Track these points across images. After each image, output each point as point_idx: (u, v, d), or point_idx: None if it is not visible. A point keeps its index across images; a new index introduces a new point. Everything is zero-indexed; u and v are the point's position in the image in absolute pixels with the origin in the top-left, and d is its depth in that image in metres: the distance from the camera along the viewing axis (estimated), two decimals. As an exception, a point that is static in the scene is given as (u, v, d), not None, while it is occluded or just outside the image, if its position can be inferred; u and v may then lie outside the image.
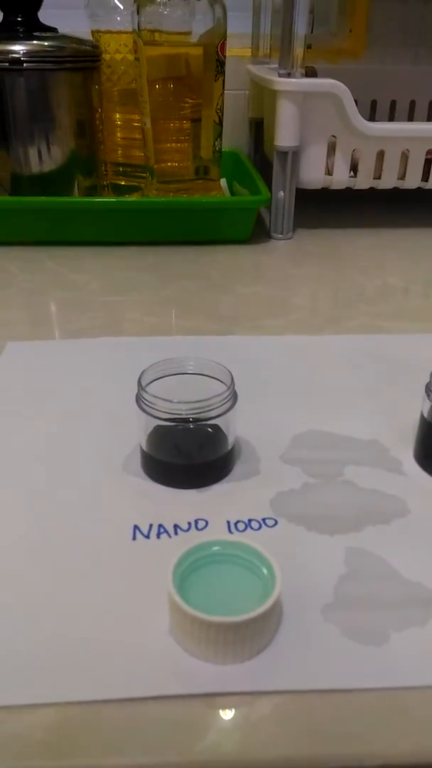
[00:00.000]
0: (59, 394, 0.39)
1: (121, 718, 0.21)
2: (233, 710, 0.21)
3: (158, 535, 0.28)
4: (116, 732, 0.20)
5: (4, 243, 0.63)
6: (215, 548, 0.25)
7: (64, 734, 0.20)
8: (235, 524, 0.28)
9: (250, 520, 0.29)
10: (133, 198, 0.71)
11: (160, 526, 0.28)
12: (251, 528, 0.28)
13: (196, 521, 0.28)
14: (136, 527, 0.28)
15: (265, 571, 0.24)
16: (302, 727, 0.21)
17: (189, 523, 0.28)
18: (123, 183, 0.73)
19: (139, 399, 0.30)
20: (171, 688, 0.21)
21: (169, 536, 0.28)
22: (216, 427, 0.31)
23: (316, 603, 0.25)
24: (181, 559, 0.24)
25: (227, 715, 0.21)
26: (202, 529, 0.28)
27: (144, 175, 0.69)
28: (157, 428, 0.30)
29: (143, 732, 0.20)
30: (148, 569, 0.26)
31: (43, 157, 0.64)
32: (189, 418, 0.29)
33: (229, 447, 0.32)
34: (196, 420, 0.29)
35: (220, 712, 0.21)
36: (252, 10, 0.79)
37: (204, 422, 0.29)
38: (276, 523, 0.28)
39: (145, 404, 0.30)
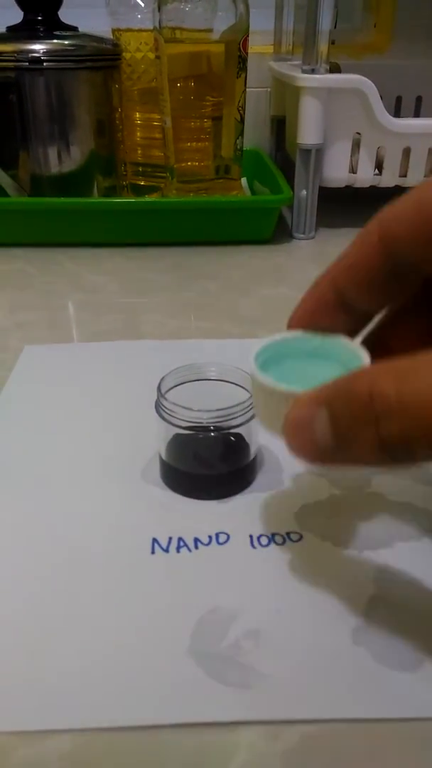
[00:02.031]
0: (76, 399, 0.38)
1: (139, 746, 0.20)
2: (258, 739, 0.20)
3: (178, 549, 0.27)
4: (134, 760, 0.19)
5: (23, 244, 0.63)
6: (302, 340, 0.21)
7: (79, 762, 0.19)
8: (258, 538, 0.27)
9: (273, 535, 0.27)
10: (152, 198, 0.70)
11: (179, 539, 0.27)
12: (275, 542, 0.27)
13: (217, 535, 0.27)
14: (154, 540, 0.27)
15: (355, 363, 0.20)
16: (330, 758, 0.20)
17: (209, 537, 0.27)
18: (142, 183, 0.73)
19: (158, 406, 0.29)
20: (192, 715, 0.20)
21: (189, 550, 0.27)
22: (238, 436, 0.29)
23: (345, 625, 0.23)
24: (262, 350, 0.21)
25: (251, 744, 0.20)
26: (223, 543, 0.27)
27: (164, 174, 0.68)
28: (177, 436, 0.29)
29: (162, 761, 0.19)
30: (167, 586, 0.25)
31: (63, 158, 0.64)
32: (210, 426, 0.28)
33: (252, 456, 0.30)
34: (217, 428, 0.28)
35: (244, 740, 0.20)
36: (275, 5, 0.78)
37: (226, 431, 0.28)
38: (301, 537, 0.27)
39: (165, 412, 0.28)
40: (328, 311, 0.21)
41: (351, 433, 0.16)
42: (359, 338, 0.22)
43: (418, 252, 0.18)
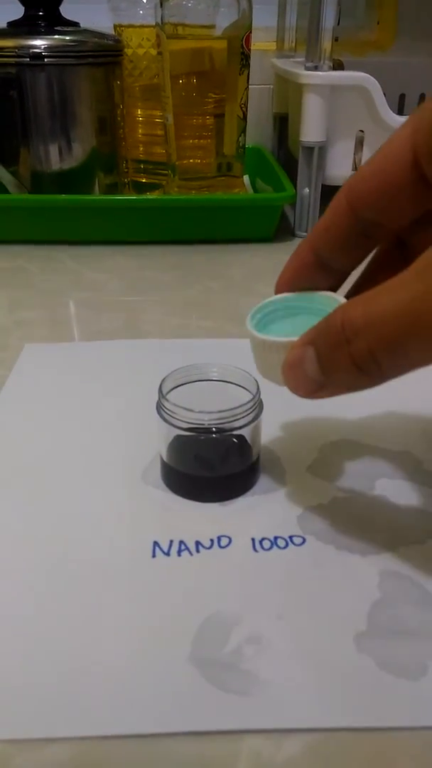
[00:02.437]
0: (76, 398, 0.37)
1: (140, 755, 0.19)
2: (260, 748, 0.20)
3: (179, 553, 0.26)
4: (134, 771, 0.19)
5: (23, 241, 0.62)
6: (290, 299, 0.24)
7: (78, 771, 0.19)
8: (261, 542, 0.27)
9: (276, 538, 0.27)
10: (154, 196, 0.69)
11: (181, 542, 0.27)
12: (277, 546, 0.27)
13: (219, 538, 0.27)
14: (155, 543, 0.27)
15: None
16: (334, 767, 0.19)
17: (211, 540, 0.27)
18: (144, 180, 0.72)
19: (159, 407, 0.28)
20: (193, 724, 0.20)
21: (191, 554, 0.26)
22: (240, 438, 0.29)
23: (348, 631, 0.23)
24: (256, 311, 0.24)
25: (254, 753, 0.19)
26: (225, 546, 0.27)
27: (165, 172, 0.67)
28: (179, 438, 0.29)
29: (162, 771, 0.19)
30: (168, 590, 0.25)
31: (64, 154, 0.63)
32: (212, 428, 0.28)
33: (254, 458, 0.30)
34: (219, 430, 0.28)
35: (246, 749, 0.20)
36: (277, 2, 0.78)
37: (227, 432, 0.28)
38: (304, 541, 0.27)
39: (166, 413, 0.28)
40: (309, 272, 0.23)
41: (332, 361, 0.19)
42: (341, 293, 0.24)
43: (380, 210, 0.20)
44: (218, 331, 0.46)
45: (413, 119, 0.19)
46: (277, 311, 0.24)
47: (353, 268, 0.23)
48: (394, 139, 0.19)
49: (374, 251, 0.23)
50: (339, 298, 0.23)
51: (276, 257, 0.61)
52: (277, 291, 0.24)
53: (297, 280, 0.24)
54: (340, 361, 0.19)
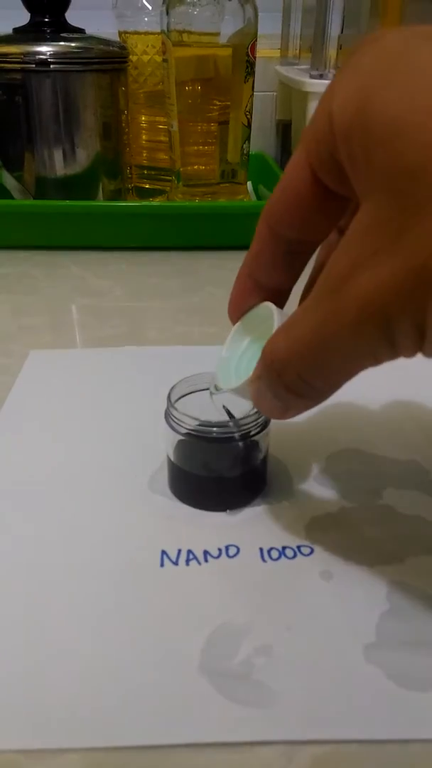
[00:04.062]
0: (82, 406, 0.37)
1: (150, 766, 0.19)
2: (271, 760, 0.20)
3: (187, 562, 0.26)
4: (144, 783, 0.19)
5: (27, 247, 0.62)
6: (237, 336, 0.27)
7: (88, 783, 0.19)
8: (269, 551, 0.27)
9: (284, 548, 0.27)
10: (158, 202, 0.69)
11: (189, 551, 0.27)
12: (285, 556, 0.27)
13: (227, 547, 0.27)
14: (164, 552, 0.27)
15: None
16: (344, 782, 0.19)
17: (219, 549, 0.27)
18: (147, 186, 0.72)
19: (168, 416, 0.28)
20: (203, 735, 0.20)
21: (199, 563, 0.26)
22: (248, 447, 0.29)
23: (357, 643, 0.23)
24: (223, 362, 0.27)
25: (265, 765, 0.19)
26: (233, 556, 0.27)
27: (169, 178, 0.67)
28: (186, 446, 0.29)
29: (173, 784, 0.19)
30: (177, 600, 0.25)
31: (68, 160, 0.63)
32: (220, 437, 0.28)
33: (262, 467, 0.30)
34: (227, 439, 0.28)
35: (257, 761, 0.20)
36: (282, 9, 0.78)
37: (236, 441, 0.28)
38: (312, 551, 0.27)
39: (174, 421, 0.28)
40: (253, 297, 0.24)
41: (276, 391, 0.21)
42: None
43: (297, 228, 0.21)
44: (223, 338, 0.46)
45: (305, 133, 0.19)
46: (244, 354, 0.26)
47: (294, 282, 0.24)
48: (294, 156, 0.20)
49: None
50: (273, 313, 0.23)
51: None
52: (230, 316, 0.26)
53: (242, 305, 0.25)
54: (282, 390, 0.21)
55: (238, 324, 0.26)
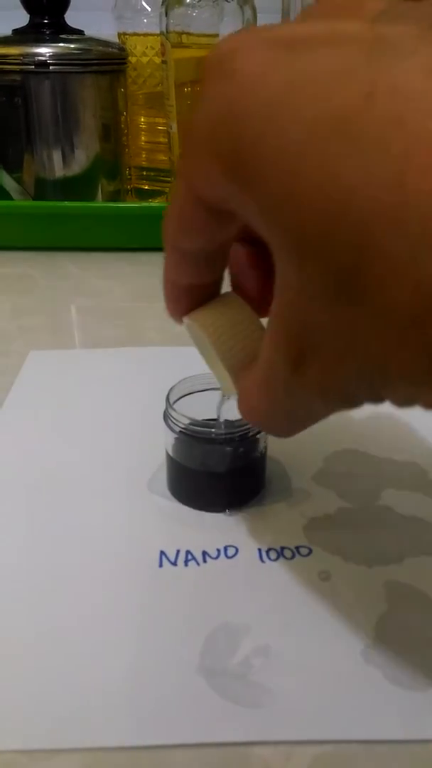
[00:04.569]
0: (80, 406, 0.37)
1: (148, 766, 0.19)
2: (269, 760, 0.20)
3: (186, 563, 0.26)
4: (143, 783, 0.19)
5: (27, 248, 0.62)
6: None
7: (87, 783, 0.19)
8: (267, 552, 0.27)
9: (282, 549, 0.27)
10: (157, 203, 0.69)
11: (188, 552, 0.27)
12: (284, 557, 0.27)
13: (225, 548, 0.27)
14: (162, 553, 0.27)
15: None
16: (343, 782, 0.19)
17: (218, 550, 0.27)
18: (147, 187, 0.72)
19: (166, 417, 0.29)
20: (202, 735, 0.20)
21: (197, 564, 0.26)
22: (247, 447, 0.29)
23: (356, 643, 0.23)
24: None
25: (263, 765, 0.20)
26: (231, 556, 0.27)
27: (168, 179, 0.67)
28: (185, 447, 0.29)
29: (172, 784, 0.19)
30: (175, 600, 0.25)
31: (67, 161, 0.63)
32: (219, 437, 0.28)
33: (260, 468, 0.30)
34: (226, 440, 0.28)
35: (256, 761, 0.20)
36: (281, 11, 0.78)
37: (234, 442, 0.28)
38: (310, 552, 0.27)
39: (173, 422, 0.28)
40: (185, 298, 0.23)
41: None
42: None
43: (203, 249, 0.20)
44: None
45: (187, 171, 0.17)
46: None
47: (221, 274, 0.22)
48: (180, 193, 0.18)
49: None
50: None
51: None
52: (176, 320, 0.24)
53: (183, 312, 0.23)
54: None
55: (208, 326, 0.23)
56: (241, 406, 0.21)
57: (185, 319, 0.23)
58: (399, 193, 0.12)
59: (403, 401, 0.15)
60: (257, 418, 0.20)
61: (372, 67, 0.12)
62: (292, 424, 0.20)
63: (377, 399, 0.16)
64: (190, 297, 0.22)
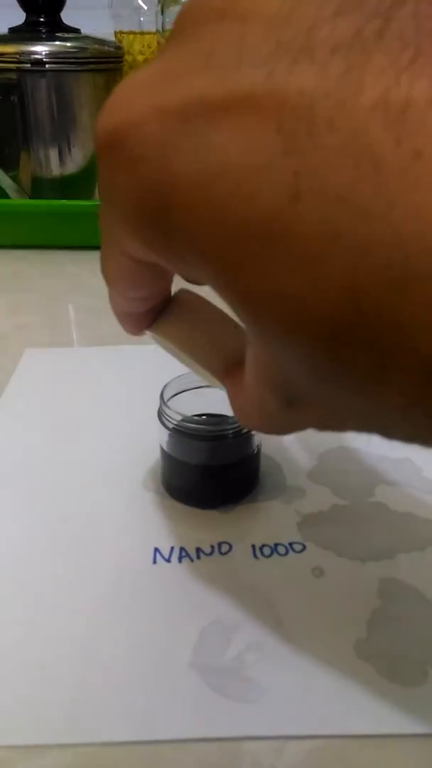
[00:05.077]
0: (76, 404, 0.37)
1: (141, 762, 0.20)
2: (261, 755, 0.20)
3: (180, 559, 0.26)
4: (135, 778, 0.19)
5: (23, 246, 0.62)
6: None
7: (79, 778, 0.19)
8: (261, 549, 0.27)
9: (276, 545, 0.27)
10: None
11: (181, 549, 0.27)
12: (277, 553, 0.27)
13: (219, 545, 0.27)
14: (156, 550, 0.27)
15: None
16: (335, 776, 0.19)
17: (212, 547, 0.27)
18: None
19: (161, 414, 0.29)
20: (194, 731, 0.20)
21: (191, 560, 0.26)
22: (241, 444, 0.29)
23: (348, 638, 0.23)
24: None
25: (255, 760, 0.20)
26: (225, 553, 0.27)
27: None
28: (179, 444, 0.29)
29: (164, 778, 0.19)
30: (169, 597, 0.25)
31: (64, 159, 0.63)
32: (213, 434, 0.28)
33: (254, 465, 0.30)
34: (220, 437, 0.28)
35: (248, 756, 0.20)
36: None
37: (228, 439, 0.28)
38: (304, 548, 0.27)
39: (167, 420, 0.28)
40: (142, 322, 0.21)
41: None
42: None
43: (143, 295, 0.19)
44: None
45: (110, 236, 0.16)
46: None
47: (167, 294, 0.21)
48: (109, 251, 0.17)
49: None
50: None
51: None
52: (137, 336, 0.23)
53: (141, 327, 0.22)
54: None
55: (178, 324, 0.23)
56: (238, 415, 0.20)
57: (148, 333, 0.22)
58: (356, 314, 0.11)
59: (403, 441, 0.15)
60: (254, 428, 0.20)
61: (289, 155, 0.10)
62: (291, 431, 0.19)
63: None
64: (146, 318, 0.21)
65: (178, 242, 0.13)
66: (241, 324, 0.14)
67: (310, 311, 0.11)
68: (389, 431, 0.14)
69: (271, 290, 0.11)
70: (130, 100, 0.13)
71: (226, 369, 0.21)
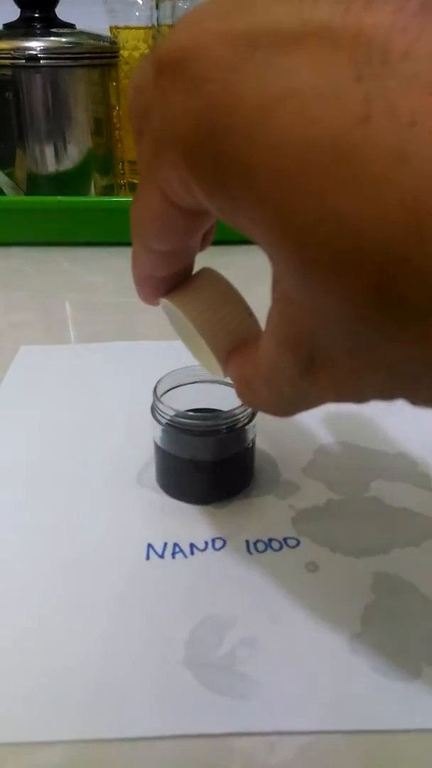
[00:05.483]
0: (71, 401, 0.37)
1: (133, 758, 0.19)
2: (254, 751, 0.20)
3: (173, 555, 0.26)
4: (126, 774, 0.19)
5: (19, 243, 0.62)
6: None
7: (70, 775, 0.19)
8: (255, 544, 0.27)
9: (270, 540, 0.27)
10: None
11: (175, 544, 0.27)
12: (271, 548, 0.27)
13: (213, 540, 0.27)
14: (150, 546, 0.27)
15: None
16: (328, 772, 0.19)
17: (206, 542, 0.27)
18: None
19: (154, 410, 0.28)
20: (186, 727, 0.20)
21: (185, 556, 0.26)
22: (235, 439, 0.29)
23: (342, 634, 0.23)
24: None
25: (247, 756, 0.19)
26: (219, 548, 0.27)
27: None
28: (173, 439, 0.29)
29: (155, 775, 0.19)
30: (162, 593, 0.25)
31: (60, 156, 0.63)
32: (207, 429, 0.28)
33: (249, 460, 0.30)
34: (214, 432, 0.28)
35: (240, 752, 0.20)
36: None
37: (223, 434, 0.28)
38: (298, 543, 0.27)
39: (161, 415, 0.28)
40: (158, 289, 0.21)
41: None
42: None
43: (173, 248, 0.19)
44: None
45: (150, 167, 0.16)
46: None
47: (191, 262, 0.21)
48: (147, 193, 0.17)
49: None
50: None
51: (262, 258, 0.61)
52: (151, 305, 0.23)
53: (158, 294, 0.22)
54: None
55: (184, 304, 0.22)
56: (241, 394, 0.20)
57: (163, 301, 0.22)
58: (417, 239, 0.11)
59: (423, 404, 0.15)
60: (260, 406, 0.19)
61: (361, 81, 0.11)
62: (298, 410, 0.18)
63: (392, 400, 0.15)
64: (166, 284, 0.21)
65: (230, 169, 0.13)
66: (277, 267, 0.14)
67: (369, 235, 0.11)
68: (417, 388, 0.13)
69: (329, 212, 0.11)
70: (198, 25, 0.13)
71: (229, 345, 0.20)
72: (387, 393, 0.14)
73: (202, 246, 0.21)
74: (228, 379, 0.22)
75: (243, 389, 0.20)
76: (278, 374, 0.17)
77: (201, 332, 0.21)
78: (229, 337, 0.21)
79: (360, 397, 0.15)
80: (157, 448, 0.29)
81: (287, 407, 0.18)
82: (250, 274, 0.60)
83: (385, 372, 0.14)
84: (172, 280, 0.21)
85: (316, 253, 0.12)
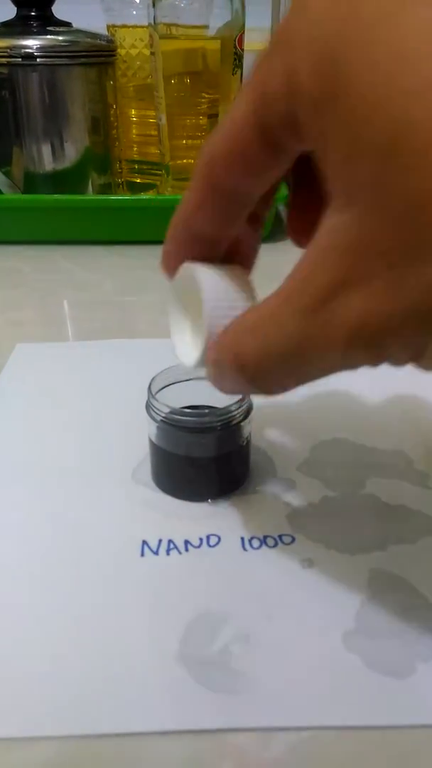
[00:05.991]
0: (67, 398, 0.37)
1: (126, 754, 0.19)
2: (247, 747, 0.20)
3: (168, 552, 0.26)
4: (119, 770, 0.19)
5: (16, 242, 0.62)
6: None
7: (63, 771, 0.19)
8: (250, 541, 0.27)
9: (265, 537, 0.27)
10: (148, 196, 0.69)
11: (170, 541, 0.27)
12: (266, 545, 0.27)
13: (208, 537, 0.27)
14: (144, 542, 0.27)
15: None
16: (321, 766, 0.19)
17: (200, 539, 0.27)
18: (138, 180, 0.72)
19: (149, 407, 0.28)
20: (180, 723, 0.20)
21: (179, 553, 0.26)
22: (230, 436, 0.29)
23: (337, 630, 0.23)
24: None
25: (240, 752, 0.19)
26: (214, 545, 0.27)
27: (159, 172, 0.67)
28: (168, 436, 0.29)
29: (148, 771, 0.19)
30: (157, 589, 0.24)
31: (57, 155, 0.63)
32: (202, 427, 0.28)
33: (244, 457, 0.30)
34: (209, 429, 0.28)
35: (233, 748, 0.20)
36: (271, 2, 0.78)
37: (218, 431, 0.28)
38: (293, 540, 0.27)
39: (155, 412, 0.28)
40: (187, 247, 0.22)
41: (235, 378, 0.20)
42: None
43: (242, 184, 0.19)
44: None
45: (253, 87, 0.17)
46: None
47: (232, 233, 0.22)
48: (239, 111, 0.17)
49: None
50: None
51: (270, 256, 0.61)
52: (167, 273, 0.24)
53: (178, 258, 0.23)
54: (244, 382, 0.19)
55: (177, 290, 0.24)
56: (223, 352, 0.19)
57: (184, 265, 0.22)
58: None
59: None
60: (241, 362, 0.19)
61: None
62: (281, 377, 0.18)
63: (415, 357, 0.16)
64: (196, 247, 0.21)
65: (343, 80, 0.14)
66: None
67: None
68: None
69: None
70: None
71: (222, 329, 0.20)
72: (424, 326, 0.15)
73: (253, 229, 0.22)
74: (200, 371, 0.22)
75: (228, 344, 0.19)
76: (290, 307, 0.17)
77: (204, 304, 0.21)
78: (231, 314, 0.21)
79: (385, 335, 0.15)
80: (152, 445, 0.29)
81: (271, 366, 0.18)
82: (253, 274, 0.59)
83: (425, 297, 0.14)
84: (204, 247, 0.21)
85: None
